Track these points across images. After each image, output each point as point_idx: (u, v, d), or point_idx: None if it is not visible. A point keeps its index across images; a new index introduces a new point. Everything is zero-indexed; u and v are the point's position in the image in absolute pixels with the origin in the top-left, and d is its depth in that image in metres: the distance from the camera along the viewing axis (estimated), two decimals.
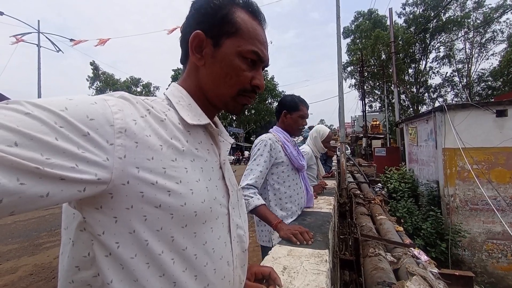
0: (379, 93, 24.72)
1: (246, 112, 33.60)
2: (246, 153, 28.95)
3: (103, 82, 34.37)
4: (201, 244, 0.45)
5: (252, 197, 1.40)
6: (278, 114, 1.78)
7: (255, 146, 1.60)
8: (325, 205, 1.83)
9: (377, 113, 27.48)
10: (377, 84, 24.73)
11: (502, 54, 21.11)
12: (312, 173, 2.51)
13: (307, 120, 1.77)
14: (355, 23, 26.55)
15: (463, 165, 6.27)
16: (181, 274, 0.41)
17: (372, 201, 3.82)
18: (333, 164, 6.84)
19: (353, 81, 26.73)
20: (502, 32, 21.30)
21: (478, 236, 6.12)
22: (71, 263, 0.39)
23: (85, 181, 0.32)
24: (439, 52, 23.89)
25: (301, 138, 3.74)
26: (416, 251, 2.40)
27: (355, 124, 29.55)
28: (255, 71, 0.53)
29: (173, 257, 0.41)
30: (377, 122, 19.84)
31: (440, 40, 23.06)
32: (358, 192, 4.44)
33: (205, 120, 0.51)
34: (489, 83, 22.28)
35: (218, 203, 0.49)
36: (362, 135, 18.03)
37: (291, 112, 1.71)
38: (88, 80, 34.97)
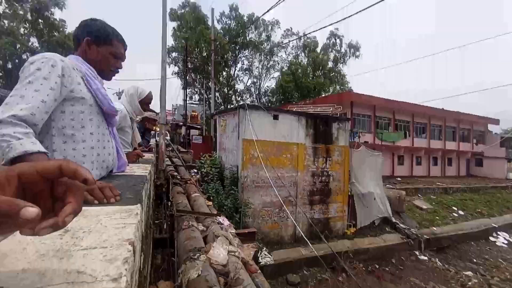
0: (199, 86, 26.97)
1: None
2: None
3: None
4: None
5: (20, 138, 0.82)
6: (76, 41, 1.25)
7: (31, 64, 1.01)
8: (140, 170, 1.55)
9: (196, 105, 29.86)
10: (198, 77, 26.87)
11: (277, 79, 31.00)
12: (126, 138, 2.01)
13: (123, 64, 1.36)
14: (182, 11, 26.99)
15: (253, 153, 8.26)
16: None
17: (189, 181, 3.86)
18: (153, 139, 6.28)
19: (176, 69, 27.10)
20: (278, 64, 31.31)
21: (257, 206, 8.34)
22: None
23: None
24: (243, 64, 30.51)
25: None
26: (221, 219, 2.64)
27: (176, 112, 30.19)
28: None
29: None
30: (196, 113, 21.51)
31: (245, 55, 29.44)
32: (176, 173, 4.34)
33: None
34: (269, 98, 31.87)
35: None
36: (182, 123, 18.67)
37: (99, 44, 1.24)
38: None
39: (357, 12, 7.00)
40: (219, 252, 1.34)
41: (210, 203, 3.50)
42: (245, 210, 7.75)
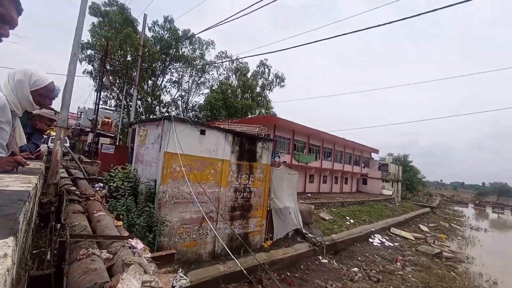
0: (118, 91, 23.79)
1: None
2: None
3: None
4: None
5: None
6: None
7: None
8: (18, 183, 1.12)
9: (111, 112, 26.14)
10: (118, 82, 23.80)
11: (205, 96, 30.91)
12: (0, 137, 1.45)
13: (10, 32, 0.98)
14: (107, 8, 24.11)
15: (175, 167, 7.77)
16: None
17: (91, 198, 3.24)
18: (44, 145, 5.08)
19: (91, 68, 23.33)
20: (209, 81, 31.48)
21: (175, 223, 7.74)
22: None
23: None
24: (173, 76, 29.19)
25: None
26: (133, 242, 2.32)
27: (82, 116, 25.42)
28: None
29: None
30: (110, 120, 18.66)
31: (176, 67, 28.33)
32: (74, 188, 3.57)
33: None
34: (196, 113, 31.22)
35: None
36: (89, 129, 15.75)
37: None
38: None
39: (287, 48, 7.98)
40: (130, 285, 1.15)
41: (120, 223, 3.04)
42: (161, 229, 7.05)
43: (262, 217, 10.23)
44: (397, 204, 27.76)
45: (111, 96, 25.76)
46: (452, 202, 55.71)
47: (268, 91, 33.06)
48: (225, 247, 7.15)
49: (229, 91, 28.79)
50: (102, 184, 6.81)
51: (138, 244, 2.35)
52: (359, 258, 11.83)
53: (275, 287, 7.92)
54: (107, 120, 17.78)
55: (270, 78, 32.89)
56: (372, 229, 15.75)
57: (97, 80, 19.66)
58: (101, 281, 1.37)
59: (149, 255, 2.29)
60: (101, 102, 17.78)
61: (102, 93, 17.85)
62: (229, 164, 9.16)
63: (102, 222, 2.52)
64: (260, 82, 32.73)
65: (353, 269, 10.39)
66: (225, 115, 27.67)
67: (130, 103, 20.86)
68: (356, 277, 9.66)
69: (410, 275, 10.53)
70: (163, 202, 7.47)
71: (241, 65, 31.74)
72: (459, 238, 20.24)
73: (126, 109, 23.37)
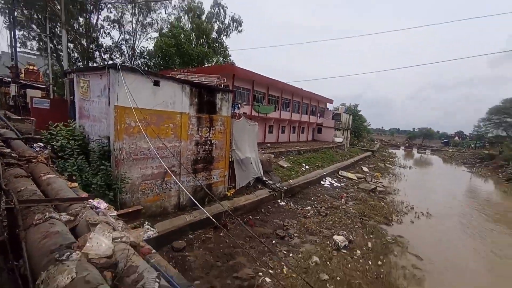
0: (39, 30, 19.12)
1: None
2: None
3: None
4: None
5: None
6: None
7: None
8: None
9: (35, 57, 21.57)
10: (38, 17, 18.94)
11: (155, 40, 27.17)
12: None
13: None
14: None
15: (130, 122, 7.19)
16: None
17: (34, 160, 2.89)
18: None
19: None
20: (157, 23, 27.29)
21: (136, 180, 7.57)
22: None
23: None
24: (111, 13, 24.34)
25: None
26: (95, 202, 2.25)
27: None
28: None
29: None
30: (35, 68, 15.42)
31: (112, 1, 23.46)
32: (8, 150, 3.10)
33: None
34: (146, 60, 27.74)
35: None
36: (10, 80, 12.90)
37: None
38: None
39: None
40: (99, 242, 1.15)
41: (75, 184, 2.86)
42: (121, 186, 6.86)
43: (224, 168, 10.60)
44: (346, 150, 31.24)
45: (30, 36, 20.69)
46: (388, 145, 64.79)
47: (225, 36, 30.45)
48: (191, 197, 7.38)
49: (182, 35, 25.69)
50: (42, 144, 6.05)
51: (101, 204, 2.29)
52: (312, 199, 13.58)
53: (239, 230, 8.81)
54: (31, 67, 14.59)
55: (226, 22, 29.96)
56: (324, 173, 17.81)
57: (6, 14, 15.32)
58: (67, 242, 1.34)
59: (115, 213, 2.27)
60: (18, 44, 14.27)
61: (17, 32, 14.18)
62: (189, 117, 8.81)
63: (54, 185, 2.33)
64: (215, 26, 29.69)
65: (307, 208, 12.00)
66: (180, 64, 25.25)
67: (59, 46, 17.20)
68: (309, 214, 11.25)
69: (351, 208, 12.66)
70: (120, 159, 7.08)
71: (194, 4, 27.88)
72: (390, 175, 24.36)
73: (55, 54, 19.36)
